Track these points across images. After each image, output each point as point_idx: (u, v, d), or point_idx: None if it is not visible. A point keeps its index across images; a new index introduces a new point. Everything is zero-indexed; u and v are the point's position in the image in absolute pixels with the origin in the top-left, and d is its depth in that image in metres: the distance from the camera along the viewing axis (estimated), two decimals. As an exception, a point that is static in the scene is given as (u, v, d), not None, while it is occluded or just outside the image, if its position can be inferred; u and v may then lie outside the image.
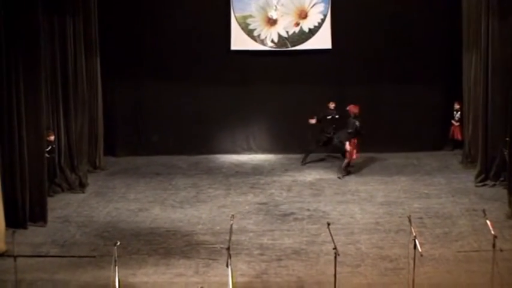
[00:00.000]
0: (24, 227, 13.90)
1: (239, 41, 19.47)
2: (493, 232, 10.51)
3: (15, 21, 13.65)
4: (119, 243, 10.63)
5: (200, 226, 14.24)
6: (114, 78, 19.47)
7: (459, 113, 19.09)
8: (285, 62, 19.50)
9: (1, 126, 13.71)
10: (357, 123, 17.37)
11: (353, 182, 17.10)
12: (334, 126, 18.15)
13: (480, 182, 16.44)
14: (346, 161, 17.55)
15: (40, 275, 11.79)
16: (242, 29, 19.42)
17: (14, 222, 13.61)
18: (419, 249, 10.35)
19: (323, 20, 19.32)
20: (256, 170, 18.36)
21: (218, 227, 14.09)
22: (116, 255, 10.32)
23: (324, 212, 14.97)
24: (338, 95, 18.76)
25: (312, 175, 17.79)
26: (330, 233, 10.60)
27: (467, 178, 16.97)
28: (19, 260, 11.09)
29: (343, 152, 17.76)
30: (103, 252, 12.73)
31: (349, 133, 17.46)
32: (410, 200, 15.62)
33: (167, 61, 19.45)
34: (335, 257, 10.18)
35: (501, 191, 15.64)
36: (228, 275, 10.59)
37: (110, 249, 12.08)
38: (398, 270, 11.82)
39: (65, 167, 16.73)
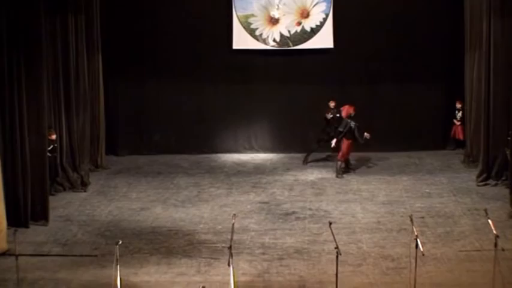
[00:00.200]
0: (26, 226, 13.93)
1: (241, 40, 19.47)
2: (494, 231, 10.53)
3: (17, 20, 13.66)
4: (120, 242, 10.63)
5: (202, 225, 14.24)
6: (116, 77, 19.49)
7: (461, 112, 19.08)
8: (287, 61, 19.50)
9: (3, 125, 13.73)
10: (352, 124, 17.34)
11: (355, 181, 17.10)
12: (335, 125, 18.13)
13: (482, 181, 16.43)
14: (338, 163, 17.55)
15: (42, 274, 11.79)
16: (244, 28, 19.42)
17: (16, 221, 13.65)
18: (421, 249, 10.34)
19: (325, 20, 19.32)
20: (258, 169, 18.36)
21: (220, 226, 14.09)
22: (118, 254, 10.33)
23: (325, 211, 14.97)
24: (340, 94, 18.74)
25: (313, 174, 17.79)
26: (332, 232, 10.60)
27: (469, 177, 16.96)
28: (21, 258, 11.13)
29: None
30: (105, 251, 12.74)
31: (339, 131, 17.47)
32: (412, 199, 15.61)
33: (169, 60, 19.45)
34: (337, 256, 10.20)
35: (503, 191, 15.63)
36: (229, 274, 10.61)
37: (111, 248, 12.08)
38: (400, 270, 11.81)
39: (66, 166, 16.74)
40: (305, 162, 18.73)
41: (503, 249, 11.02)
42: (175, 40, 19.45)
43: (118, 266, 10.34)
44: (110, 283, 10.78)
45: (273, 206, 15.35)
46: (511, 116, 15.21)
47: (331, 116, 18.24)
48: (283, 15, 19.37)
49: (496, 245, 10.50)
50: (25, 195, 14.02)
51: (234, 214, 11.87)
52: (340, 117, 17.85)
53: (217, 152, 19.82)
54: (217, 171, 18.28)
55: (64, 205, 15.52)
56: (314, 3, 19.30)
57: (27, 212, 14.05)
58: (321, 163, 18.71)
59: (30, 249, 12.79)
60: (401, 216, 14.34)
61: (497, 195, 15.60)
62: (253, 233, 13.71)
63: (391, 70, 19.39)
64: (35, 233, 13.76)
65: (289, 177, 17.56)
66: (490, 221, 10.79)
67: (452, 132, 19.50)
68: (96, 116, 18.36)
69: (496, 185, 16.22)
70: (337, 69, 19.42)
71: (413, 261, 10.78)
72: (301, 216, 14.69)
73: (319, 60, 19.38)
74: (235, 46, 19.50)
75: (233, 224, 11.16)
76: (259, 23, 19.43)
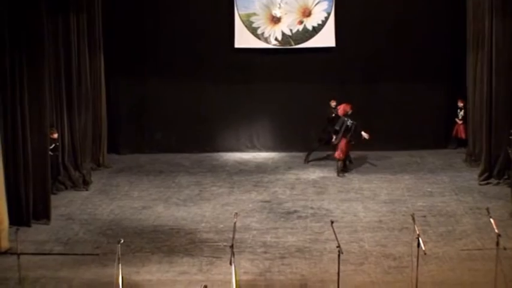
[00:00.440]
0: (28, 225, 13.94)
1: (243, 39, 19.47)
2: (496, 230, 10.52)
3: (19, 19, 13.66)
4: (122, 241, 10.65)
5: (203, 224, 14.25)
6: (118, 76, 19.50)
7: (463, 111, 19.07)
8: (289, 60, 19.50)
9: (5, 124, 13.73)
10: (348, 122, 17.33)
11: (356, 180, 17.10)
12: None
13: (484, 180, 16.42)
14: (338, 162, 17.55)
15: (43, 273, 11.80)
16: (246, 27, 19.42)
17: (18, 219, 13.66)
18: (423, 248, 10.34)
19: (327, 18, 19.31)
20: (260, 168, 18.36)
21: (221, 225, 14.09)
22: (120, 253, 10.32)
23: (327, 210, 14.97)
24: (342, 92, 18.73)
25: (315, 173, 17.79)
26: (334, 231, 10.59)
27: (471, 176, 16.96)
28: (22, 257, 11.11)
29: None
30: (106, 250, 12.75)
31: (335, 130, 17.46)
32: (414, 198, 15.61)
33: (171, 59, 19.45)
34: (338, 255, 10.20)
35: (505, 189, 15.62)
36: (231, 273, 10.62)
37: (113, 247, 12.06)
38: (401, 269, 11.81)
39: (68, 164, 16.75)
40: (306, 161, 18.73)
41: (505, 248, 11.00)
42: (177, 39, 19.44)
43: (120, 264, 10.34)
44: (111, 282, 10.77)
45: (275, 205, 15.35)
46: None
47: (333, 115, 18.23)
48: (285, 14, 19.36)
49: (497, 243, 10.50)
50: (27, 194, 14.02)
51: (236, 213, 11.87)
52: (338, 115, 17.87)
53: (218, 151, 19.83)
54: (219, 170, 18.29)
55: (66, 204, 15.53)
56: (316, 2, 19.29)
57: (29, 210, 14.06)
58: (322, 162, 18.71)
59: (32, 247, 12.80)
60: (403, 215, 14.34)
61: (499, 194, 15.59)
62: (255, 232, 13.71)
63: (393, 69, 19.38)
64: (36, 232, 13.78)
65: (290, 176, 17.56)
66: (492, 220, 10.79)
67: (454, 131, 19.49)
68: (98, 115, 18.36)
69: (498, 184, 16.21)
70: (339, 68, 19.42)
71: (415, 260, 10.76)
72: (303, 215, 14.69)
73: (321, 59, 19.38)
74: (237, 45, 19.50)
75: (235, 223, 11.15)
76: (261, 22, 19.43)
